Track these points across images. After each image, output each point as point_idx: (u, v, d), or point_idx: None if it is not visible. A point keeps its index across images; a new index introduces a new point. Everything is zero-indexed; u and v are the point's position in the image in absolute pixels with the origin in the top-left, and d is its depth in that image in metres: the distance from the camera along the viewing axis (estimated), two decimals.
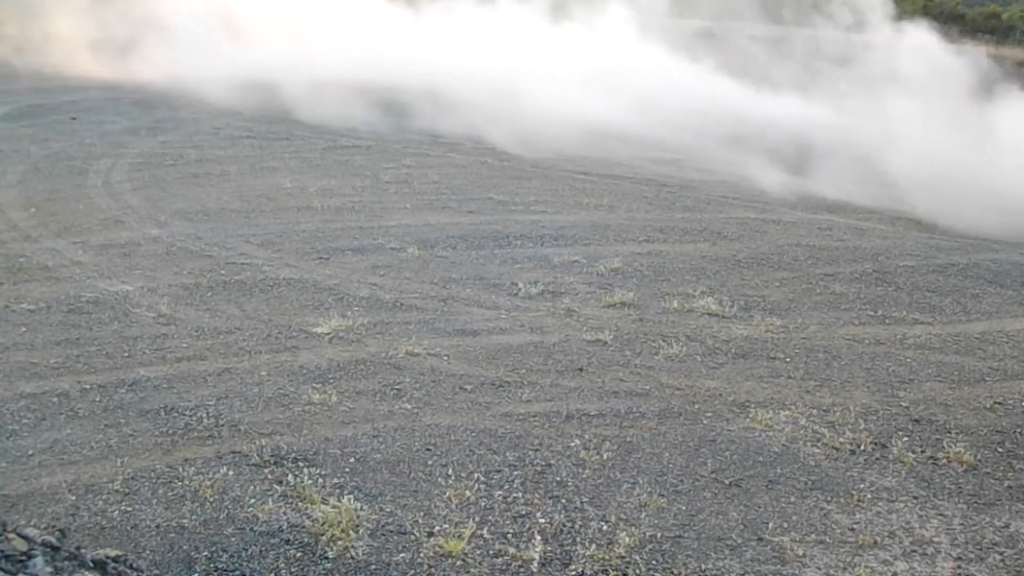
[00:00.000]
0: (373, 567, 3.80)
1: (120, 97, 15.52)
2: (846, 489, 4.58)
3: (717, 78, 17.68)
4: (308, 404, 5.13)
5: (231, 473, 4.39)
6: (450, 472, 4.50)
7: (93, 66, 17.22)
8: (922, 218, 10.49)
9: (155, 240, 7.96)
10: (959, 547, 4.18)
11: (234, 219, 8.72)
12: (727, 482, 4.60)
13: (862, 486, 4.61)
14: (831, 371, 6.01)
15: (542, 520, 4.16)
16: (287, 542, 3.92)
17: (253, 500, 4.18)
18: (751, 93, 17.00)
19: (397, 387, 5.42)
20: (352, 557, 3.84)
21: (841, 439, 5.04)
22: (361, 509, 4.12)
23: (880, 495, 4.55)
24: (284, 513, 4.10)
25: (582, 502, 4.33)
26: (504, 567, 3.84)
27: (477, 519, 4.12)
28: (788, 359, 6.17)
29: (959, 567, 4.03)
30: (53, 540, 3.07)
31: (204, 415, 4.92)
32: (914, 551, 4.12)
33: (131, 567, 3.27)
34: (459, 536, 3.96)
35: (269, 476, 4.39)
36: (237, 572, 3.72)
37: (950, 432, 5.24)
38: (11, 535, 2.97)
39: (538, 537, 4.03)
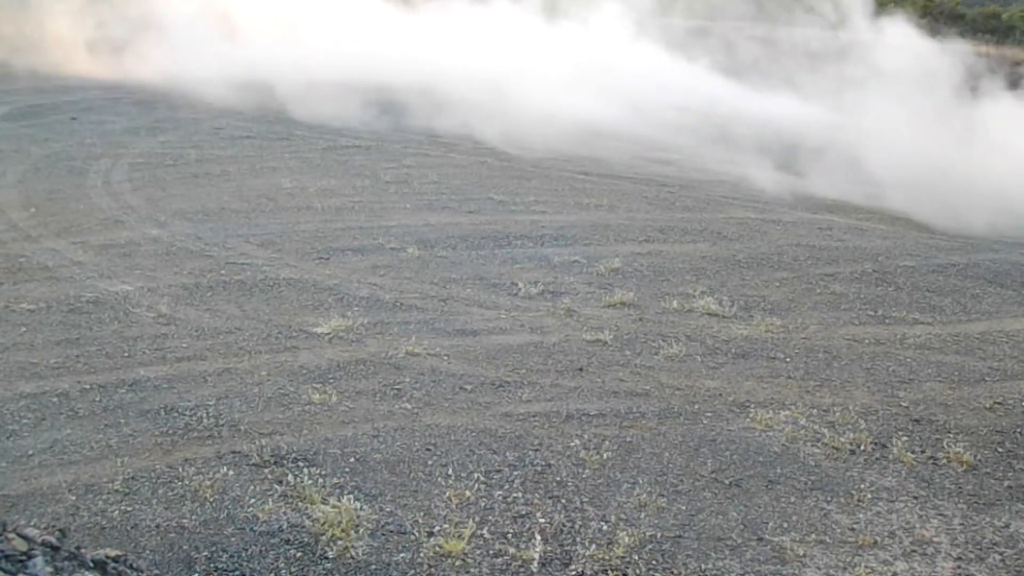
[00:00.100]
0: (373, 567, 3.80)
1: (120, 97, 15.51)
2: (846, 489, 4.58)
3: (707, 76, 17.75)
4: (308, 404, 5.13)
5: (231, 473, 4.39)
6: (450, 472, 4.50)
7: (92, 66, 17.21)
8: (904, 214, 10.57)
9: (155, 240, 7.96)
10: (959, 547, 4.18)
11: (234, 219, 8.72)
12: (727, 482, 4.60)
13: (862, 486, 4.61)
14: (831, 371, 6.01)
15: (542, 520, 4.17)
16: (287, 542, 3.92)
17: (253, 500, 4.19)
18: (739, 90, 17.07)
19: (397, 387, 5.43)
20: (352, 557, 3.84)
21: (841, 439, 5.04)
22: (361, 509, 4.12)
23: (880, 495, 4.55)
24: (284, 513, 4.10)
25: (582, 502, 4.34)
26: (504, 567, 3.84)
27: (477, 519, 4.13)
28: (788, 359, 6.17)
29: (959, 567, 4.03)
30: (53, 540, 3.07)
31: (204, 415, 4.92)
32: (914, 551, 4.12)
33: (131, 567, 3.27)
34: (459, 536, 3.96)
35: (269, 476, 4.39)
36: (237, 572, 3.72)
37: (950, 432, 5.24)
38: (11, 535, 2.97)
39: (538, 537, 4.03)
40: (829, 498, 4.51)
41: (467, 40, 17.58)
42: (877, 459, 4.90)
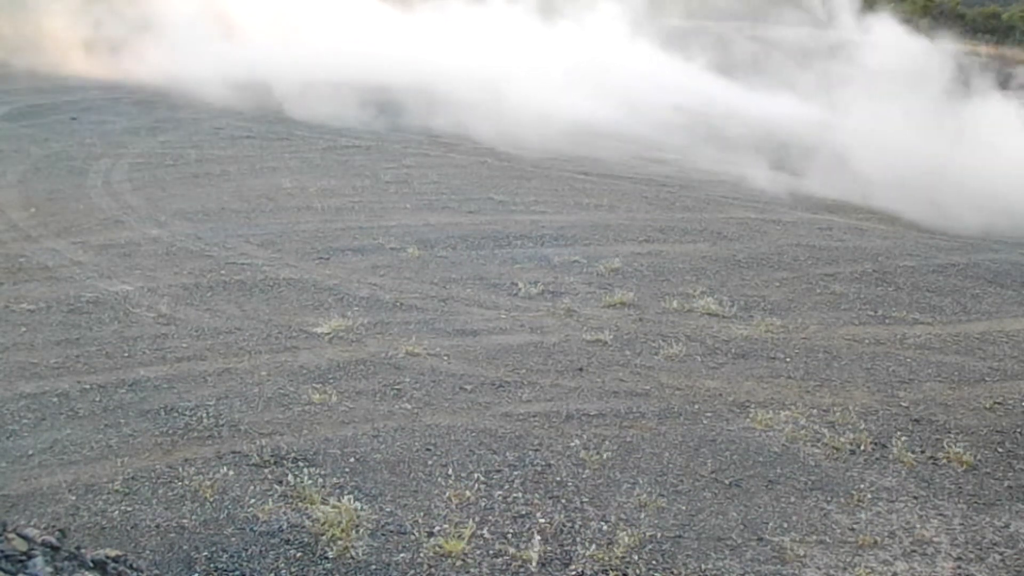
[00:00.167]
0: (373, 567, 3.80)
1: (120, 97, 15.51)
2: (846, 489, 4.58)
3: (702, 75, 17.82)
4: (308, 404, 5.13)
5: (231, 473, 4.39)
6: (450, 472, 4.50)
7: (91, 66, 17.21)
8: (893, 213, 10.63)
9: (155, 240, 7.96)
10: (959, 547, 4.18)
11: (234, 219, 8.72)
12: (727, 482, 4.60)
13: (862, 486, 4.61)
14: (831, 371, 6.01)
15: (542, 520, 4.16)
16: (287, 542, 3.92)
17: (253, 500, 4.19)
18: (734, 90, 17.14)
19: (397, 387, 5.43)
20: (352, 557, 3.84)
21: (841, 439, 5.04)
22: (361, 509, 4.12)
23: (880, 495, 4.55)
24: (284, 513, 4.10)
25: (582, 502, 4.34)
26: (504, 567, 3.84)
27: (477, 519, 4.13)
28: (788, 359, 6.17)
29: (959, 567, 4.03)
30: (53, 540, 3.07)
31: (204, 415, 4.92)
32: (914, 551, 4.12)
33: (131, 567, 3.27)
34: (459, 536, 3.96)
35: (269, 476, 4.39)
36: (237, 572, 3.72)
37: (950, 432, 5.24)
38: (11, 535, 2.97)
39: (538, 537, 4.03)
40: (829, 498, 4.51)
41: (466, 40, 17.61)
42: (877, 459, 4.90)
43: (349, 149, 12.51)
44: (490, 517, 4.17)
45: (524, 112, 13.82)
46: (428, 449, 4.73)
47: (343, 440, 4.76)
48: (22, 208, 8.72)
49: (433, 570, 3.80)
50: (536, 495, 4.37)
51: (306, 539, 3.93)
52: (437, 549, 3.90)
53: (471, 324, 6.47)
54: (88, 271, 7.10)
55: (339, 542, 3.90)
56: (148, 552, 3.79)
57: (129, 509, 4.08)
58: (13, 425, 4.73)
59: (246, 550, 3.85)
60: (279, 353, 5.80)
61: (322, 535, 3.94)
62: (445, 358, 5.87)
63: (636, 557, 3.94)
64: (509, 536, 4.04)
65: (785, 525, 4.26)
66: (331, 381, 5.44)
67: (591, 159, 12.69)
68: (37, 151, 11.24)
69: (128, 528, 3.95)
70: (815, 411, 5.40)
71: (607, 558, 3.91)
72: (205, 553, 3.81)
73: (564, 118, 14.04)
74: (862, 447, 4.99)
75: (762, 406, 5.40)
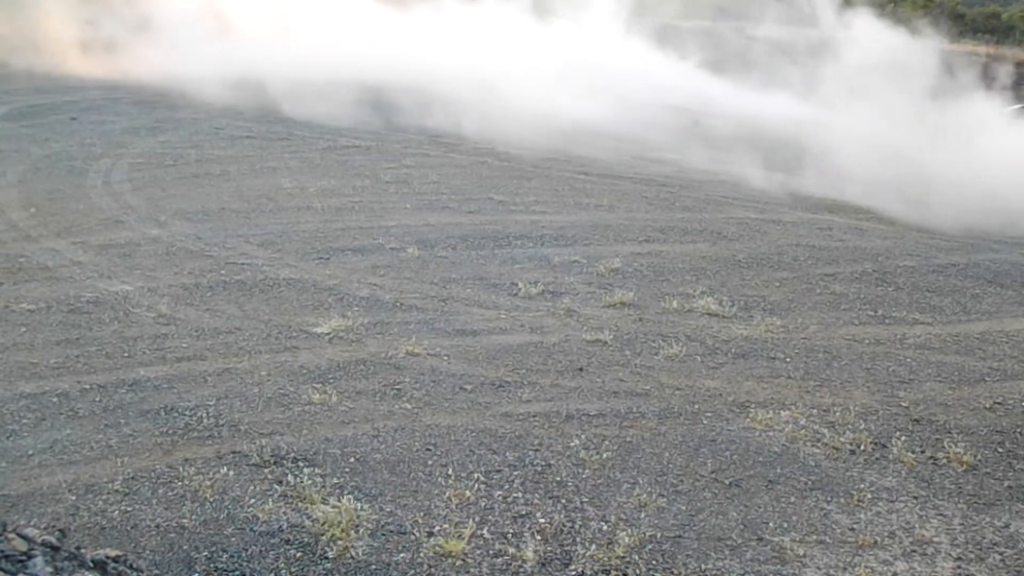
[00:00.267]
0: (373, 567, 3.80)
1: (120, 97, 15.52)
2: (846, 489, 4.58)
3: (695, 73, 17.90)
4: (308, 404, 5.13)
5: (231, 473, 4.39)
6: (450, 472, 4.49)
7: (91, 66, 17.23)
8: (867, 208, 10.70)
9: (155, 240, 7.96)
10: (959, 547, 4.18)
11: (234, 219, 8.72)
12: (727, 482, 4.60)
13: (862, 486, 4.61)
14: (831, 371, 6.01)
15: (542, 520, 4.16)
16: (287, 542, 3.92)
17: (253, 500, 4.18)
18: (726, 88, 17.23)
19: (397, 387, 5.42)
20: (352, 557, 3.84)
21: (841, 439, 5.04)
22: (361, 509, 4.12)
23: (880, 495, 4.55)
24: (284, 513, 4.10)
25: (582, 502, 4.33)
26: (504, 567, 3.84)
27: (477, 519, 4.12)
28: (788, 359, 6.17)
29: (959, 567, 4.03)
30: (53, 540, 3.07)
31: (204, 415, 4.92)
32: (914, 551, 4.12)
33: (131, 567, 3.27)
34: (459, 536, 3.96)
35: (269, 476, 4.39)
36: (237, 572, 3.72)
37: (950, 432, 5.24)
38: (11, 535, 2.96)
39: (538, 537, 4.03)
40: (829, 498, 4.50)
41: (465, 40, 17.65)
42: (877, 459, 4.90)
43: (349, 149, 12.52)
44: (490, 517, 4.17)
45: (524, 112, 13.84)
46: (428, 449, 4.73)
47: (343, 440, 4.76)
48: (22, 208, 8.72)
49: (433, 570, 3.80)
50: (536, 495, 4.37)
51: (306, 539, 3.93)
52: (437, 549, 3.90)
53: (471, 324, 6.47)
54: (88, 271, 7.09)
55: (339, 542, 3.90)
56: (148, 552, 3.79)
57: (129, 509, 4.07)
58: (13, 425, 4.73)
59: (246, 550, 3.85)
60: (279, 353, 5.80)
61: (322, 535, 3.94)
62: (445, 358, 5.87)
63: (636, 557, 3.94)
64: (509, 536, 4.03)
65: (785, 525, 4.26)
66: (331, 381, 5.44)
67: (591, 159, 12.69)
68: (37, 151, 11.24)
69: (128, 528, 3.95)
70: (815, 411, 5.40)
71: (607, 558, 3.91)
72: (205, 553, 3.81)
73: (563, 117, 14.05)
74: (862, 447, 4.99)
75: (762, 406, 5.40)
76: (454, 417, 5.09)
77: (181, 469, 4.40)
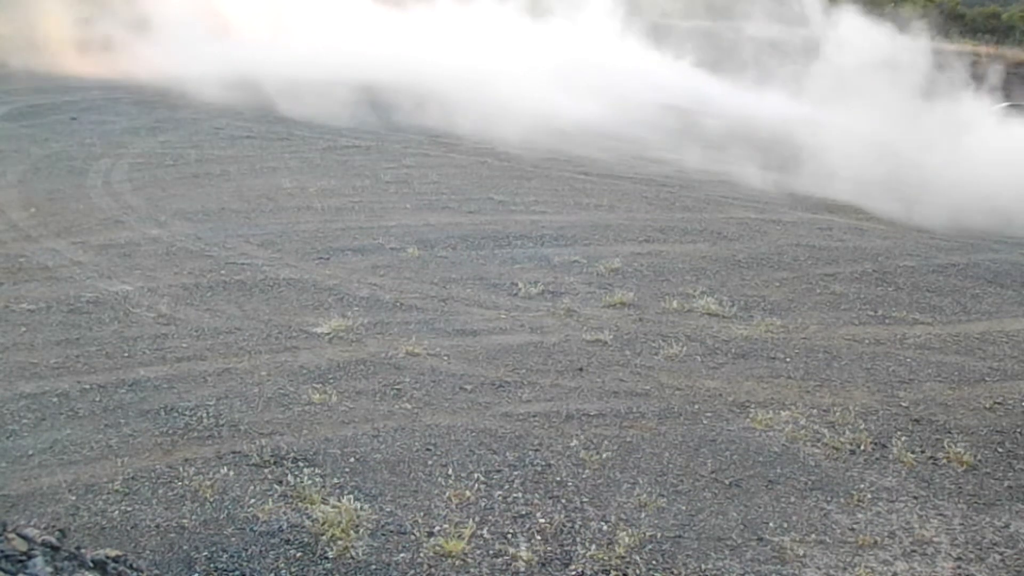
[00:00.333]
0: (373, 567, 3.80)
1: (120, 97, 15.51)
2: (846, 489, 4.58)
3: (691, 72, 17.96)
4: (308, 404, 5.13)
5: (231, 473, 4.39)
6: (450, 472, 4.49)
7: (91, 65, 17.23)
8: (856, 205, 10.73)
9: (155, 240, 7.96)
10: (959, 547, 4.18)
11: (234, 219, 8.72)
12: (727, 482, 4.60)
13: (862, 486, 4.61)
14: (831, 371, 6.01)
15: (542, 520, 4.16)
16: (287, 542, 3.92)
17: (253, 500, 4.18)
18: (722, 87, 17.29)
19: (397, 387, 5.42)
20: (352, 557, 3.84)
21: (841, 439, 5.04)
22: (361, 509, 4.12)
23: (880, 495, 4.55)
24: (284, 513, 4.10)
25: (582, 502, 4.33)
26: (504, 567, 3.84)
27: (477, 519, 4.13)
28: (788, 359, 6.17)
29: (959, 567, 4.03)
30: (53, 540, 3.07)
31: (204, 415, 4.92)
32: (914, 551, 4.12)
33: (131, 567, 3.27)
34: (459, 536, 3.96)
35: (269, 476, 4.39)
36: (237, 572, 3.72)
37: (950, 432, 5.24)
38: (11, 535, 2.96)
39: (538, 537, 4.03)
40: (829, 498, 4.50)
41: (464, 40, 17.66)
42: (877, 459, 4.90)
43: (349, 149, 12.52)
44: (490, 517, 4.17)
45: (524, 112, 13.85)
46: (428, 449, 4.73)
47: (343, 440, 4.76)
48: (22, 208, 8.72)
49: (433, 570, 3.80)
50: (536, 495, 4.37)
51: (306, 539, 3.93)
52: (437, 549, 3.90)
53: (471, 324, 6.47)
54: (88, 271, 7.09)
55: (339, 542, 3.90)
56: (148, 552, 3.79)
57: (129, 509, 4.07)
58: (13, 425, 4.73)
59: (246, 550, 3.85)
60: (279, 353, 5.80)
61: (322, 535, 3.94)
62: (445, 358, 5.87)
63: (636, 557, 3.94)
64: (509, 536, 4.04)
65: (785, 525, 4.26)
66: (331, 381, 5.44)
67: (591, 159, 12.70)
68: (37, 151, 11.24)
69: (128, 528, 3.95)
70: (815, 411, 5.40)
71: (607, 558, 3.91)
72: (205, 553, 3.81)
73: (563, 117, 14.07)
74: (862, 447, 4.99)
75: (762, 406, 5.40)
76: (454, 417, 5.09)
77: (181, 469, 4.40)
